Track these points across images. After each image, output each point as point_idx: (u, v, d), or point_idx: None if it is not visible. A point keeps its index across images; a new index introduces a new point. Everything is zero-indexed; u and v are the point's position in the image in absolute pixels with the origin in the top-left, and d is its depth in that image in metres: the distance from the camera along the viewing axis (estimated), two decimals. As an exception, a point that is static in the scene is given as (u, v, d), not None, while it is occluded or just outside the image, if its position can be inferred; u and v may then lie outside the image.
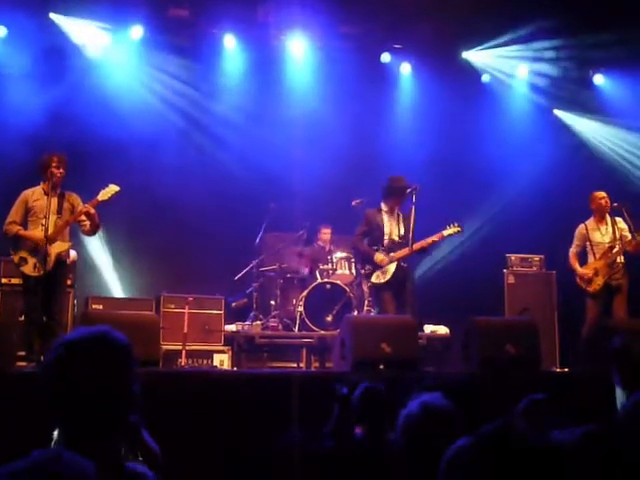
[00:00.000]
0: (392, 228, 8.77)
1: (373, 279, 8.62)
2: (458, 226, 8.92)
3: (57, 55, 10.27)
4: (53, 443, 2.51)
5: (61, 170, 7.68)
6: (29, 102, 9.76)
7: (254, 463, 5.35)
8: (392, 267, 8.61)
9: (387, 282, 8.61)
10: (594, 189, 9.57)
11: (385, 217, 8.81)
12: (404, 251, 8.59)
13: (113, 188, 7.79)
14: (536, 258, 10.64)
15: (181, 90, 11.21)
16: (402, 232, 8.75)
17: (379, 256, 8.60)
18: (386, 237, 8.73)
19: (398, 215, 8.85)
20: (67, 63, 10.34)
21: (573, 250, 9.50)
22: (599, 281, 9.18)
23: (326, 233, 10.55)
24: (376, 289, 8.71)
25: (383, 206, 8.83)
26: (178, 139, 10.88)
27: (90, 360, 2.12)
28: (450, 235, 8.93)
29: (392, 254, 8.64)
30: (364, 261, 8.80)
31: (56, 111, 9.77)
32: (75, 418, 2.11)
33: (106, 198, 7.73)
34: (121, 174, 8.70)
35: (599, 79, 12.04)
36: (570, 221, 9.76)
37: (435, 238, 8.79)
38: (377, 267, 8.60)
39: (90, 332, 2.19)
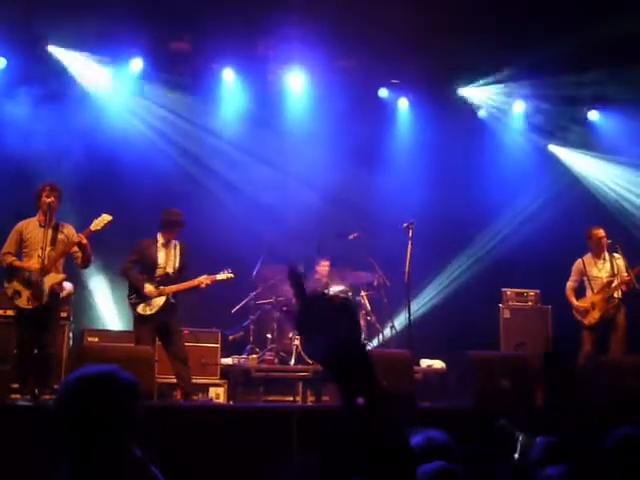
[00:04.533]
0: (167, 261, 8.46)
1: (139, 310, 8.26)
2: (231, 272, 8.76)
3: (55, 87, 10.31)
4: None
5: (52, 199, 7.64)
6: (25, 133, 9.80)
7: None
8: (160, 300, 8.30)
9: (152, 315, 8.27)
10: (590, 225, 9.63)
11: (160, 249, 8.48)
12: (176, 286, 8.37)
13: (106, 218, 7.77)
14: (532, 293, 10.67)
15: (179, 124, 11.25)
16: (177, 265, 8.48)
17: (148, 287, 8.28)
18: (160, 269, 8.41)
19: (175, 247, 8.55)
20: (65, 95, 10.37)
21: (570, 284, 9.62)
22: (595, 314, 9.24)
23: (324, 266, 10.49)
24: (140, 320, 8.30)
25: (159, 238, 8.48)
26: (176, 172, 10.89)
27: (102, 397, 2.26)
28: (223, 280, 8.72)
29: (162, 287, 8.33)
30: (131, 289, 8.43)
31: (52, 143, 9.80)
32: (87, 451, 2.23)
33: (99, 228, 7.71)
34: (116, 205, 8.69)
35: (593, 115, 12.13)
36: (566, 256, 9.80)
37: (207, 281, 8.52)
38: (145, 298, 8.26)
39: (101, 370, 2.34)
